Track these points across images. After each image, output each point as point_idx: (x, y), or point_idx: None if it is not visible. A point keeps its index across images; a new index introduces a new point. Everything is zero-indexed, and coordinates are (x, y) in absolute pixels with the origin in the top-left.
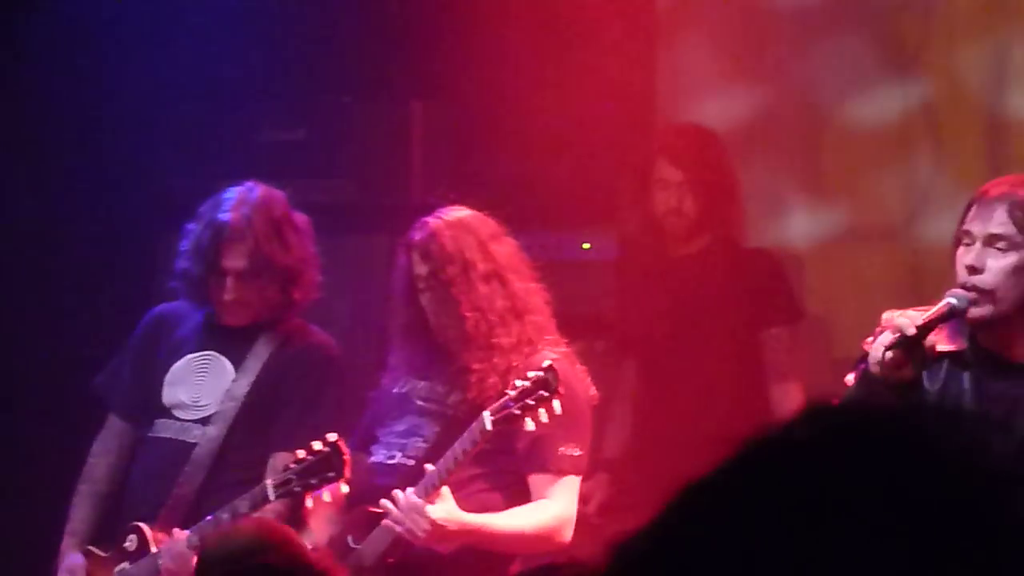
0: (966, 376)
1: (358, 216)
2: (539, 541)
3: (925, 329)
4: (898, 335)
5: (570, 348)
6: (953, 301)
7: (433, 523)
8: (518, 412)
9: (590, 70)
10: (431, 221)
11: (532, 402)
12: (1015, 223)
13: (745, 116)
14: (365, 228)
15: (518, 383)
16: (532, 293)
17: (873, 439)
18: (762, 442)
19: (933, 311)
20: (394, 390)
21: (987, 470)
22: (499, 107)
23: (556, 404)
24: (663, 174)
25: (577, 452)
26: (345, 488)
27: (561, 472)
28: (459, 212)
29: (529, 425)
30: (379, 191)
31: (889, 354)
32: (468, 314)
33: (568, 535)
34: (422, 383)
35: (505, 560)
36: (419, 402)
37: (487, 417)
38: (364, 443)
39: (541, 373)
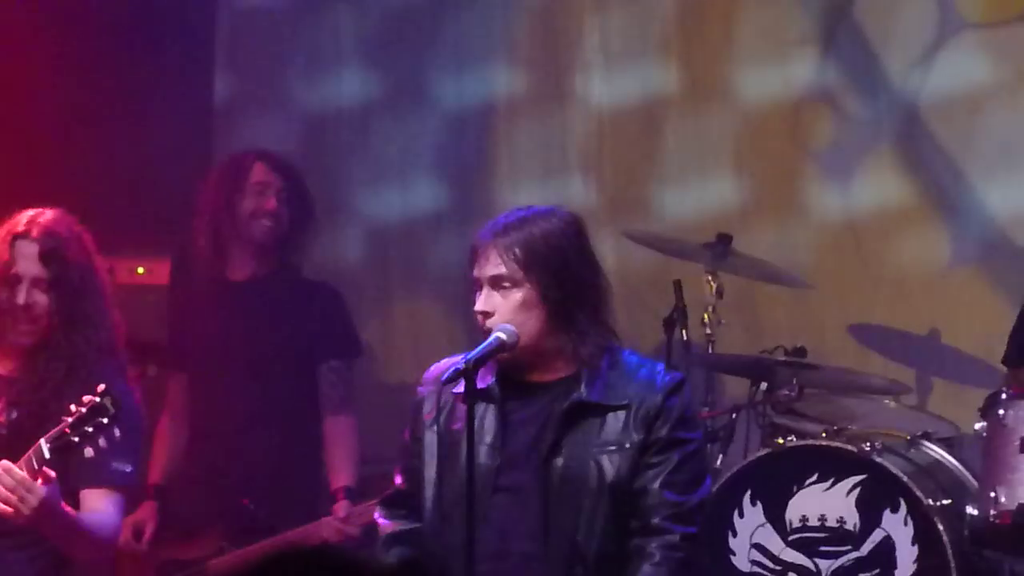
0: (492, 409)
1: None
2: (94, 545)
3: (478, 363)
4: (451, 370)
5: (130, 368)
6: (502, 336)
7: (41, 501)
8: (76, 440)
9: (145, 97)
10: (45, 221)
11: (90, 429)
12: (508, 262)
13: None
14: None
15: (73, 408)
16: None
17: None
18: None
19: (484, 346)
20: None
21: None
22: (44, 129)
23: (116, 431)
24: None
25: (128, 468)
26: None
27: (114, 487)
28: (62, 215)
29: (88, 453)
30: None
31: None
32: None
33: (113, 543)
34: None
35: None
36: None
37: (44, 446)
38: None
39: (98, 399)
